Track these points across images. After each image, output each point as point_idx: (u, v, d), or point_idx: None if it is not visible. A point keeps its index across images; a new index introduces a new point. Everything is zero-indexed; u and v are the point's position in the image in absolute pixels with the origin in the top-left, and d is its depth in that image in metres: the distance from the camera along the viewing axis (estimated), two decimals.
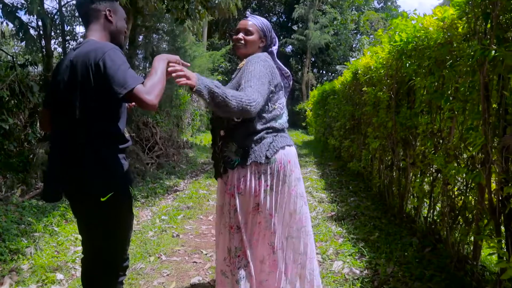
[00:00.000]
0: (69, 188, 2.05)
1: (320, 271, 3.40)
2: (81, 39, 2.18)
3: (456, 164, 2.99)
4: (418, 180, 3.82)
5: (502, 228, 2.55)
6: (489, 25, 2.49)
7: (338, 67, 26.87)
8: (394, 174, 4.71)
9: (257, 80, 2.10)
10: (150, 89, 1.83)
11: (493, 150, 2.49)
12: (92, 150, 1.97)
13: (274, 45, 2.51)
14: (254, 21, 2.40)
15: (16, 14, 5.78)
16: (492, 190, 2.59)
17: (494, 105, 2.56)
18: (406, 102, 4.16)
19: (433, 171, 3.58)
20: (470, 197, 2.97)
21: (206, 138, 15.62)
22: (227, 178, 2.29)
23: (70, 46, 11.44)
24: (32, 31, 7.05)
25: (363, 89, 5.47)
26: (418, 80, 3.52)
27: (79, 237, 4.02)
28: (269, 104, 2.27)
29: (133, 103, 2.22)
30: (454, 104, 2.93)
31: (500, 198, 2.49)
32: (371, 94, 4.91)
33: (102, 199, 1.94)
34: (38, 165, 5.79)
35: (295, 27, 29.47)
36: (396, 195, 4.71)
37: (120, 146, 2.07)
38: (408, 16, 3.78)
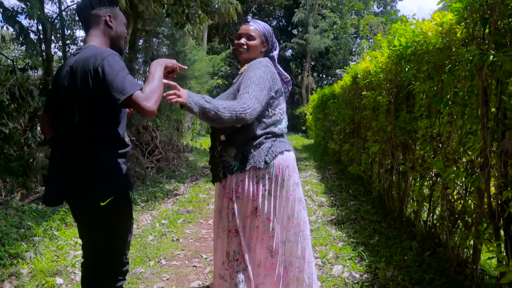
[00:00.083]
0: (69, 192, 2.06)
1: (320, 275, 3.41)
2: (81, 43, 2.19)
3: (455, 168, 3.00)
4: (417, 184, 3.83)
5: (502, 232, 2.56)
6: (487, 30, 2.50)
7: (338, 71, 26.88)
8: (393, 178, 4.72)
9: (256, 86, 2.11)
10: (148, 95, 1.84)
11: (492, 154, 2.50)
12: (92, 155, 1.98)
13: (275, 49, 2.52)
14: (256, 26, 2.41)
15: (17, 18, 5.80)
16: (491, 194, 2.60)
17: (492, 110, 2.57)
18: (406, 106, 4.17)
19: (433, 175, 3.58)
20: (470, 201, 2.98)
21: (206, 142, 15.62)
22: (225, 182, 2.30)
23: (70, 50, 11.46)
24: (32, 35, 7.06)
25: (363, 93, 5.48)
26: (417, 84, 3.53)
27: (79, 241, 4.02)
28: (270, 109, 2.28)
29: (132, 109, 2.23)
30: (453, 109, 2.95)
31: (499, 202, 2.50)
32: (371, 98, 4.92)
33: (102, 204, 1.94)
34: (38, 169, 5.78)
35: (295, 31, 29.51)
36: (395, 199, 4.71)
37: (120, 151, 2.07)
38: (407, 20, 3.79)
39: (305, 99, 27.91)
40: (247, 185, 2.22)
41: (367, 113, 5.30)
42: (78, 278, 3.39)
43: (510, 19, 2.39)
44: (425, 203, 3.82)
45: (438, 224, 3.60)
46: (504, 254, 2.45)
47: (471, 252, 3.05)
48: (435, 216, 3.66)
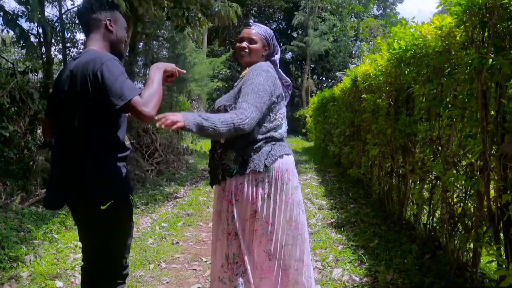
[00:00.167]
0: (69, 195, 2.06)
1: (320, 278, 3.41)
2: (82, 46, 2.21)
3: (455, 171, 3.00)
4: (417, 187, 3.83)
5: (501, 235, 2.56)
6: (486, 34, 2.51)
7: (337, 73, 26.90)
8: (393, 181, 4.72)
9: (255, 94, 2.12)
10: (147, 100, 1.84)
11: (491, 157, 2.50)
12: (92, 159, 1.98)
13: (277, 53, 2.52)
14: (258, 30, 2.42)
15: (17, 21, 5.81)
16: (491, 197, 2.60)
17: (492, 113, 2.57)
18: (405, 109, 4.17)
19: (433, 178, 3.59)
20: (469, 204, 2.98)
21: (206, 145, 15.61)
22: (224, 184, 2.30)
23: (70, 53, 11.47)
24: (32, 38, 7.07)
25: (363, 96, 5.49)
26: (417, 87, 3.54)
27: (79, 244, 4.02)
28: (271, 114, 2.28)
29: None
30: (453, 112, 2.95)
31: (499, 205, 2.50)
32: (371, 101, 4.93)
33: (102, 207, 1.95)
34: (38, 172, 5.79)
35: (294, 34, 29.54)
36: (395, 202, 4.71)
37: (120, 155, 2.08)
38: (407, 24, 3.80)
39: (305, 101, 27.91)
40: (247, 188, 2.22)
41: (367, 116, 5.30)
42: (78, 281, 3.39)
43: (509, 23, 2.40)
44: (425, 206, 3.82)
45: (438, 227, 3.60)
46: (504, 257, 2.45)
47: (471, 255, 3.05)
48: (435, 219, 3.66)
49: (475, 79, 2.62)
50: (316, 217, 5.30)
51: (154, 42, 12.39)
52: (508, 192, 2.36)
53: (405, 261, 3.52)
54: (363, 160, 6.08)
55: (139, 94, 1.85)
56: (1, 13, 5.55)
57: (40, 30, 7.28)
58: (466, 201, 3.00)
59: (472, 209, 2.93)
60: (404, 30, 3.73)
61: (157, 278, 3.58)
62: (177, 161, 10.09)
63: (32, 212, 4.87)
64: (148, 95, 1.86)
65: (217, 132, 1.93)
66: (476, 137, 2.62)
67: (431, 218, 3.68)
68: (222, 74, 22.26)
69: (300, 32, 29.26)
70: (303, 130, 21.50)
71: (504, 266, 2.31)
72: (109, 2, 2.17)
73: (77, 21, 10.72)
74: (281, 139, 2.36)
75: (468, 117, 2.78)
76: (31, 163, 5.86)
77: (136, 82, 11.90)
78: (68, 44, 11.30)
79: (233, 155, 2.23)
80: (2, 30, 8.10)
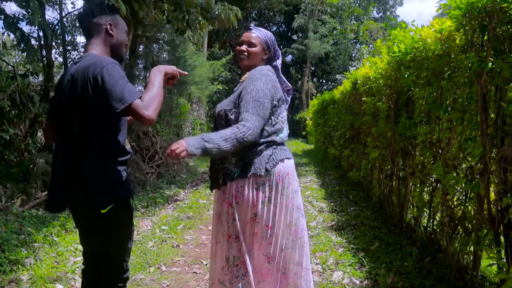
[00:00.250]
0: (70, 199, 2.07)
1: (320, 281, 3.40)
2: (82, 49, 2.22)
3: (455, 174, 3.01)
4: (417, 190, 3.83)
5: (502, 238, 2.56)
6: (486, 37, 2.52)
7: (338, 76, 26.94)
8: (393, 183, 4.72)
9: (255, 102, 2.13)
10: (148, 103, 1.85)
11: (491, 160, 2.51)
12: (92, 162, 1.99)
13: (278, 58, 2.52)
14: (257, 34, 2.43)
15: (18, 25, 5.81)
16: (491, 200, 2.60)
17: (492, 116, 2.58)
18: (405, 112, 4.18)
19: (433, 181, 3.59)
20: (470, 207, 2.98)
21: None
22: (225, 187, 2.30)
23: (71, 56, 11.47)
24: (33, 41, 7.07)
25: (363, 99, 5.49)
26: (417, 90, 3.54)
27: (79, 247, 4.02)
28: (272, 117, 2.29)
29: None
30: (453, 115, 2.96)
31: (499, 208, 2.50)
32: (371, 104, 4.94)
33: (102, 211, 1.95)
34: (38, 175, 5.79)
35: (295, 37, 29.58)
36: (396, 204, 4.71)
37: (120, 159, 2.08)
38: (407, 27, 3.81)
39: (305, 104, 27.93)
40: (247, 191, 2.23)
41: (367, 118, 5.31)
42: (78, 284, 3.39)
43: (509, 26, 2.40)
44: (425, 209, 3.82)
45: (438, 230, 3.60)
46: (504, 260, 2.45)
47: (471, 258, 3.05)
48: (435, 222, 3.66)
49: (475, 83, 2.62)
50: (316, 220, 5.30)
51: (154, 45, 12.39)
52: (508, 195, 2.36)
53: (406, 264, 3.52)
54: (363, 163, 6.08)
55: (140, 98, 1.86)
56: (2, 17, 5.55)
57: (41, 33, 7.29)
58: (467, 204, 3.01)
59: (472, 212, 2.93)
60: (404, 33, 3.74)
61: (157, 281, 3.58)
62: (177, 164, 10.08)
63: (33, 215, 4.87)
64: (148, 99, 1.87)
65: (222, 150, 1.99)
66: (476, 140, 2.62)
67: (431, 221, 3.68)
68: (223, 77, 22.23)
69: (300, 35, 29.31)
70: (303, 133, 21.50)
71: (504, 270, 2.31)
72: (109, 6, 2.18)
73: (77, 24, 10.75)
74: (282, 143, 2.36)
75: (468, 120, 2.78)
76: (31, 166, 5.86)
77: (136, 85, 11.90)
78: (69, 47, 11.31)
79: (234, 159, 2.24)
80: (3, 34, 8.12)
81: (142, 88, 12.17)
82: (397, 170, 4.47)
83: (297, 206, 2.35)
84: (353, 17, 31.95)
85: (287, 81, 2.54)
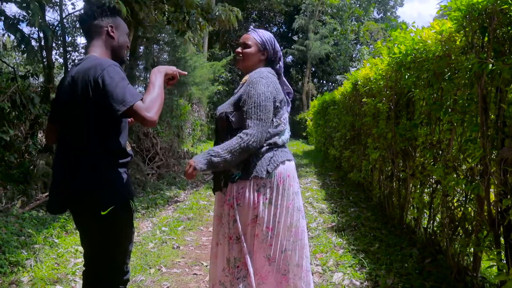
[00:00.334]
0: (70, 200, 2.07)
1: (321, 282, 3.40)
2: (82, 50, 2.22)
3: (455, 176, 3.00)
4: (418, 191, 3.83)
5: (502, 239, 2.56)
6: (486, 39, 2.52)
7: (338, 77, 26.96)
8: (394, 185, 4.72)
9: (257, 107, 2.15)
10: (150, 105, 1.85)
11: (491, 162, 2.51)
12: (93, 164, 1.99)
13: (280, 60, 2.49)
14: (253, 35, 2.43)
15: (18, 26, 5.82)
16: (491, 201, 2.60)
17: (492, 117, 2.58)
18: (406, 114, 4.18)
19: (433, 182, 3.59)
20: (470, 208, 2.98)
21: (206, 148, 15.61)
22: (225, 189, 2.30)
23: (71, 57, 11.49)
24: (33, 43, 7.08)
25: (363, 100, 5.49)
26: (417, 91, 3.54)
27: (80, 248, 4.03)
28: (275, 119, 2.29)
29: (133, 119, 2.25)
30: (453, 116, 2.95)
31: (499, 209, 2.50)
32: (371, 105, 4.93)
33: (102, 213, 1.95)
34: (39, 176, 5.80)
35: (295, 38, 29.61)
36: (396, 205, 4.71)
37: (121, 161, 2.08)
38: (407, 28, 3.81)
39: (305, 105, 27.96)
40: (248, 193, 2.23)
41: (368, 119, 5.31)
42: (79, 286, 3.39)
43: (509, 28, 2.40)
44: (425, 210, 3.82)
45: (438, 231, 3.60)
46: (504, 262, 2.45)
47: (472, 259, 3.05)
48: (435, 223, 3.66)
49: (475, 84, 2.62)
50: (316, 221, 5.30)
51: (154, 46, 12.42)
52: (509, 196, 2.36)
53: (406, 265, 3.52)
54: (364, 164, 6.08)
55: (141, 99, 1.86)
56: (2, 18, 5.55)
57: (41, 35, 7.30)
58: (467, 206, 3.01)
59: (472, 214, 2.93)
60: (404, 34, 3.74)
61: (158, 282, 3.58)
62: (177, 165, 10.09)
63: (33, 216, 4.87)
64: (150, 100, 1.87)
65: (228, 162, 2.10)
66: (476, 142, 2.62)
67: (431, 222, 3.68)
68: (223, 77, 22.26)
69: (300, 35, 29.34)
70: (304, 134, 21.52)
71: (504, 271, 2.31)
72: (111, 8, 2.18)
73: (78, 25, 10.76)
74: (283, 145, 2.36)
75: (468, 121, 2.78)
76: (31, 167, 5.87)
77: (136, 86, 11.93)
78: (69, 48, 11.33)
79: None
80: (3, 35, 8.13)
81: (143, 89, 12.19)
82: (398, 171, 4.47)
83: (298, 208, 2.36)
84: (353, 17, 31.97)
85: (289, 85, 2.53)
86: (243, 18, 9.92)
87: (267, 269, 2.30)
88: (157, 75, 2.03)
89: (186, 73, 2.37)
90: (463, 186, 2.88)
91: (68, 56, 9.95)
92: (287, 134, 2.40)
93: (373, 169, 5.76)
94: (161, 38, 12.18)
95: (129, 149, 2.16)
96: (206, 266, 3.96)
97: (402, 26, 3.90)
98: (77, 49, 12.18)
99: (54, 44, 9.17)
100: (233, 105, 2.29)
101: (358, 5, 32.39)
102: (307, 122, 19.17)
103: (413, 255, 3.67)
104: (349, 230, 4.74)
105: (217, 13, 7.76)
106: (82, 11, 2.23)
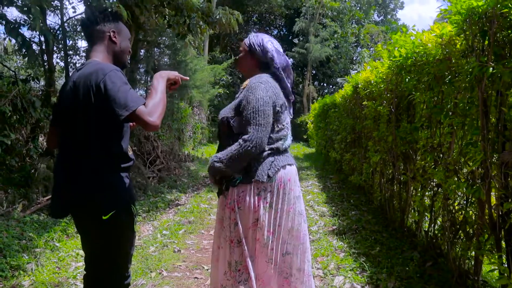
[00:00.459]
0: (72, 204, 2.07)
1: (321, 286, 3.40)
2: (84, 54, 2.23)
3: (456, 179, 3.00)
4: (418, 194, 3.83)
5: (503, 243, 2.56)
6: (486, 42, 2.52)
7: (339, 79, 26.96)
8: (395, 188, 4.72)
9: (256, 113, 2.16)
10: (152, 110, 1.85)
11: (492, 165, 2.51)
12: (95, 169, 1.99)
13: (275, 63, 2.40)
14: (245, 40, 2.47)
15: (19, 30, 5.83)
16: (492, 205, 2.60)
17: (493, 121, 2.58)
18: (406, 117, 4.18)
19: (434, 185, 3.59)
20: (471, 211, 2.98)
21: (207, 151, 15.63)
22: (227, 192, 2.31)
23: (72, 60, 11.51)
24: (34, 46, 7.09)
25: (364, 103, 5.50)
26: (418, 95, 3.55)
27: (81, 252, 4.02)
28: (276, 124, 2.29)
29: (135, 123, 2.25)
30: (454, 119, 2.96)
31: (500, 213, 2.50)
32: (372, 108, 4.94)
33: (104, 217, 1.95)
34: (40, 180, 5.79)
35: (295, 40, 29.65)
36: (397, 209, 4.71)
37: (123, 165, 2.09)
38: (408, 31, 3.82)
39: (306, 108, 27.97)
40: (248, 197, 2.23)
41: (368, 122, 5.31)
42: None
43: (509, 31, 2.41)
44: (426, 214, 3.82)
45: (439, 234, 3.60)
46: (506, 266, 2.44)
47: (473, 263, 3.05)
48: (436, 227, 3.66)
49: (475, 87, 2.62)
50: (317, 224, 5.29)
51: (155, 49, 12.44)
52: (510, 200, 2.36)
53: (407, 268, 3.51)
54: (365, 167, 6.08)
55: (144, 104, 1.86)
56: (4, 22, 5.57)
57: (42, 38, 7.32)
58: (468, 209, 3.01)
59: (473, 217, 2.93)
60: (405, 38, 3.75)
61: (159, 286, 3.57)
62: (178, 168, 10.09)
63: (34, 220, 4.87)
64: (152, 105, 1.87)
65: (232, 168, 2.16)
66: (477, 145, 2.62)
67: (432, 225, 3.68)
68: (224, 80, 22.27)
69: (301, 38, 29.38)
70: (305, 136, 21.54)
71: (505, 275, 2.31)
72: (113, 14, 2.18)
73: (79, 29, 10.79)
74: (285, 150, 2.36)
75: (469, 125, 2.79)
76: (32, 171, 5.87)
77: (137, 89, 11.94)
78: (70, 52, 11.36)
79: None
80: (4, 39, 8.14)
81: (144, 92, 12.20)
82: (398, 174, 4.47)
83: (299, 212, 2.36)
84: (354, 20, 32.03)
85: (290, 89, 2.50)
86: (243, 21, 9.94)
87: (269, 274, 2.30)
88: (159, 80, 2.04)
89: (188, 78, 2.38)
90: (464, 189, 2.88)
91: (69, 60, 9.97)
92: (289, 140, 2.40)
93: (374, 172, 5.76)
94: (162, 42, 12.20)
95: (130, 153, 2.17)
96: (207, 269, 3.96)
97: (403, 29, 3.91)
98: (78, 52, 12.21)
99: (55, 48, 9.17)
100: (233, 109, 2.30)
101: (358, 8, 32.45)
102: (307, 125, 19.19)
103: (414, 259, 3.66)
104: (350, 233, 4.74)
105: (217, 17, 7.78)
106: (83, 16, 2.24)
